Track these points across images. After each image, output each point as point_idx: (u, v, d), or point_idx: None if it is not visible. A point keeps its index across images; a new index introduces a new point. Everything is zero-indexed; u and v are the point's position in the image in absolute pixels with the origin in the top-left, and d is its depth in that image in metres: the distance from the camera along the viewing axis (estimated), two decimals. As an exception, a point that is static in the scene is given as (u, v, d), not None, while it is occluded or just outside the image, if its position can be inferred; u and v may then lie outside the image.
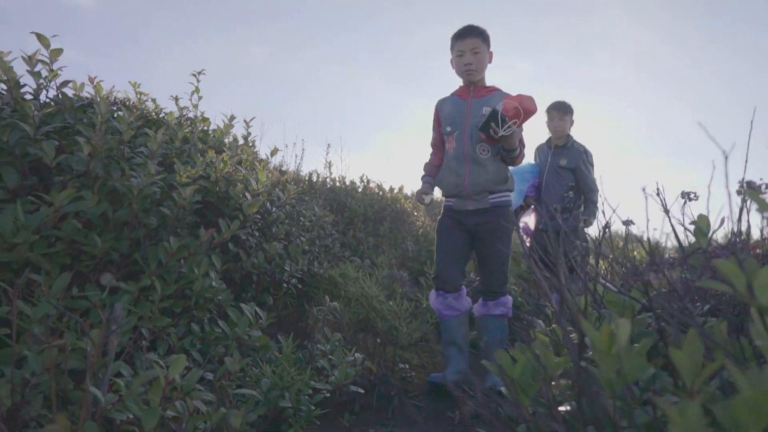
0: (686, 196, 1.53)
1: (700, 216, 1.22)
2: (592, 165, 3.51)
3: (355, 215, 4.12)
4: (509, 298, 2.32)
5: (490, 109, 2.20)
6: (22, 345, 1.24)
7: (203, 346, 1.78)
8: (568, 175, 3.45)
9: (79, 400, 1.24)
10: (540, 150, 3.67)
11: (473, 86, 2.37)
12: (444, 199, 2.48)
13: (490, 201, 2.31)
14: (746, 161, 1.20)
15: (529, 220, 3.49)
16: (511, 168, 2.40)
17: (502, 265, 2.31)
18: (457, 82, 2.46)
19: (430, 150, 2.57)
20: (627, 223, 1.66)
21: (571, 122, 3.56)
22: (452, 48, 2.38)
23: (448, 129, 2.38)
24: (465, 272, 2.44)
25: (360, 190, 4.60)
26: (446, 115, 2.41)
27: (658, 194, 1.33)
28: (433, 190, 2.48)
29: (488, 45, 2.34)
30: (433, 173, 2.51)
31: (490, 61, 2.37)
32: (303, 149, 4.61)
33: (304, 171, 4.64)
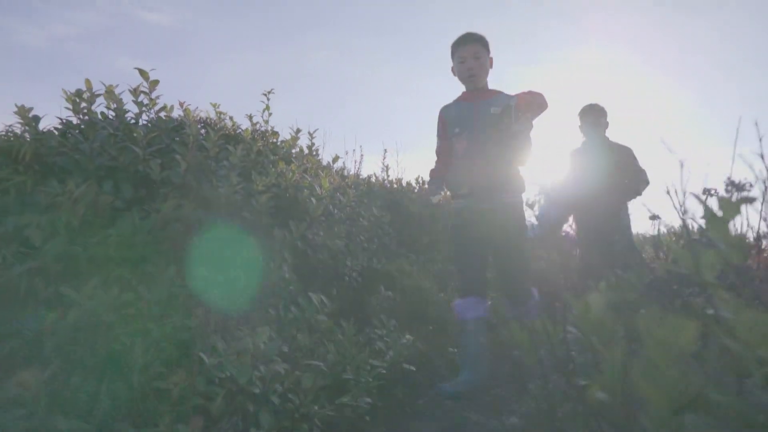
0: (707, 192, 1.70)
1: (707, 211, 1.40)
2: (635, 159, 3.44)
3: (411, 215, 4.38)
4: (535, 296, 2.34)
5: (499, 108, 2.19)
6: (145, 320, 1.62)
7: (278, 327, 2.12)
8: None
9: (188, 363, 1.59)
10: (575, 154, 3.58)
11: (477, 91, 2.38)
12: (453, 201, 2.46)
13: (502, 201, 2.28)
14: (733, 161, 1.37)
15: (569, 227, 3.49)
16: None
17: (523, 273, 2.29)
18: (459, 89, 2.46)
19: (435, 158, 2.54)
20: (654, 217, 1.85)
21: (606, 124, 3.49)
22: (453, 56, 2.38)
23: (457, 131, 2.36)
24: (487, 278, 2.37)
25: (416, 190, 4.84)
26: (453, 119, 2.40)
27: (668, 193, 1.51)
28: (440, 191, 2.47)
29: (488, 50, 2.36)
30: (441, 175, 2.50)
31: (491, 66, 2.38)
32: (362, 155, 4.87)
33: (364, 174, 4.93)
